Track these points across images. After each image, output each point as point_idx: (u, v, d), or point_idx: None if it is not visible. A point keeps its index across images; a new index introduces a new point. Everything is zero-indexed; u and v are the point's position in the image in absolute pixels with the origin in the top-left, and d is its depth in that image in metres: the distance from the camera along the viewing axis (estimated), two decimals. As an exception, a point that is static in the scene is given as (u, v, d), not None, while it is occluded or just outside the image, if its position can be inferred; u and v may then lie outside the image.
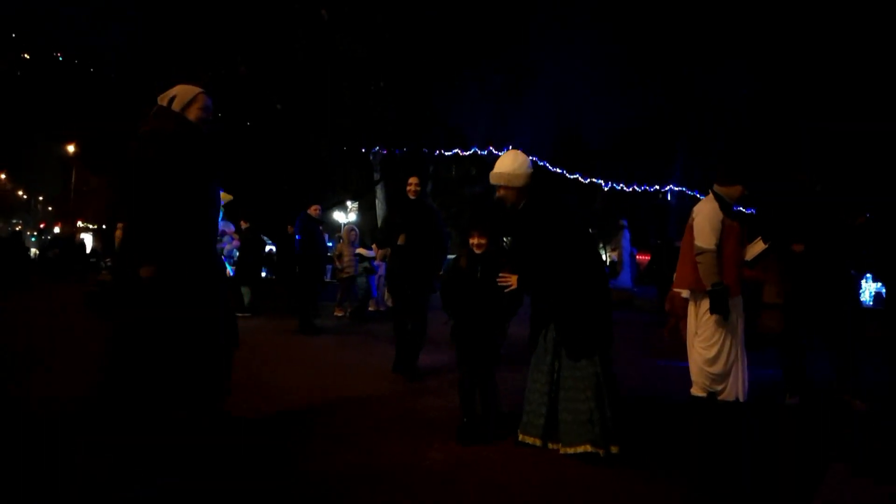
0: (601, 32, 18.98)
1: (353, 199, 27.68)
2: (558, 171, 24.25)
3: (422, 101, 14.04)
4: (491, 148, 22.16)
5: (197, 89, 3.40)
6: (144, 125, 3.29)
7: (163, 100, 3.38)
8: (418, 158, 19.07)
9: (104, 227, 42.56)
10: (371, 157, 20.65)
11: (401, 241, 5.41)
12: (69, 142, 39.63)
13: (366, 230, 36.81)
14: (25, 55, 18.95)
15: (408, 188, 5.54)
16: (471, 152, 21.79)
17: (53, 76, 20.87)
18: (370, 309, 11.12)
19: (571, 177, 24.22)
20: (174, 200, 3.17)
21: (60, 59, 16.18)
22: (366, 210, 32.13)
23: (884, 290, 14.09)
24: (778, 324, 8.19)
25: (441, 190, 31.87)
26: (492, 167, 3.80)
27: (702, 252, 4.27)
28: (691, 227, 4.43)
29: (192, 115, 3.37)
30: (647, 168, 23.60)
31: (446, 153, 20.75)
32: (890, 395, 5.35)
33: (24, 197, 57.48)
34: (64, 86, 22.76)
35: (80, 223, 43.49)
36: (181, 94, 3.37)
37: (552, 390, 3.56)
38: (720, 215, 4.34)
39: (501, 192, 3.63)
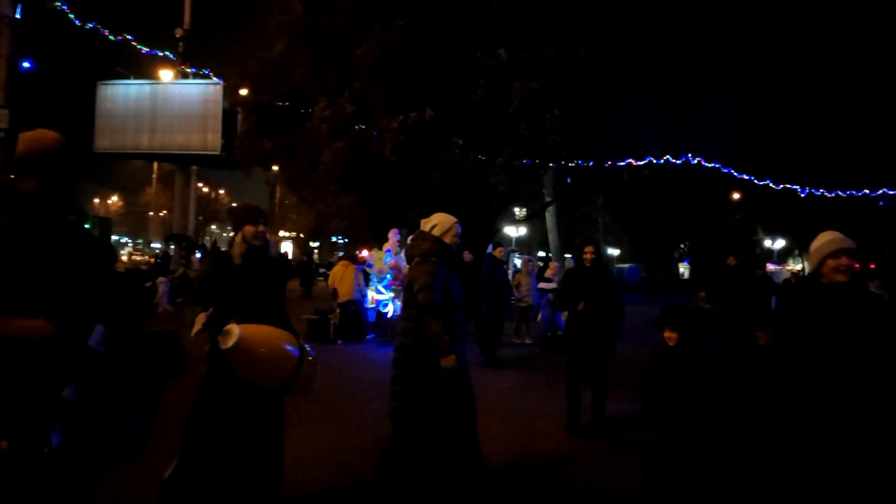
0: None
1: (526, 218, 28.23)
2: (744, 177, 22.66)
3: (595, 123, 14.13)
4: (669, 157, 21.30)
5: (453, 219, 4.10)
6: (408, 247, 4.13)
7: (425, 225, 4.10)
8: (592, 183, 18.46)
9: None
10: (542, 174, 20.87)
11: (580, 307, 5.79)
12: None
13: (534, 241, 36.92)
14: None
15: (584, 256, 5.96)
16: (645, 162, 21.14)
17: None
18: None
19: (761, 183, 22.48)
20: None
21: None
22: (535, 222, 32.45)
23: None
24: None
25: (612, 201, 31.25)
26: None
27: None
28: None
29: (448, 239, 4.05)
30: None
31: (619, 164, 20.36)
32: None
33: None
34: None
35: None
36: (441, 222, 4.06)
37: None
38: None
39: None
